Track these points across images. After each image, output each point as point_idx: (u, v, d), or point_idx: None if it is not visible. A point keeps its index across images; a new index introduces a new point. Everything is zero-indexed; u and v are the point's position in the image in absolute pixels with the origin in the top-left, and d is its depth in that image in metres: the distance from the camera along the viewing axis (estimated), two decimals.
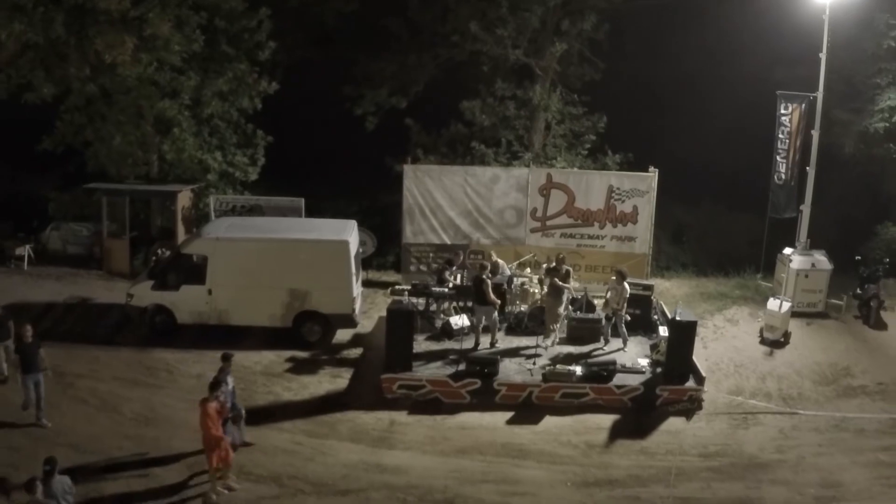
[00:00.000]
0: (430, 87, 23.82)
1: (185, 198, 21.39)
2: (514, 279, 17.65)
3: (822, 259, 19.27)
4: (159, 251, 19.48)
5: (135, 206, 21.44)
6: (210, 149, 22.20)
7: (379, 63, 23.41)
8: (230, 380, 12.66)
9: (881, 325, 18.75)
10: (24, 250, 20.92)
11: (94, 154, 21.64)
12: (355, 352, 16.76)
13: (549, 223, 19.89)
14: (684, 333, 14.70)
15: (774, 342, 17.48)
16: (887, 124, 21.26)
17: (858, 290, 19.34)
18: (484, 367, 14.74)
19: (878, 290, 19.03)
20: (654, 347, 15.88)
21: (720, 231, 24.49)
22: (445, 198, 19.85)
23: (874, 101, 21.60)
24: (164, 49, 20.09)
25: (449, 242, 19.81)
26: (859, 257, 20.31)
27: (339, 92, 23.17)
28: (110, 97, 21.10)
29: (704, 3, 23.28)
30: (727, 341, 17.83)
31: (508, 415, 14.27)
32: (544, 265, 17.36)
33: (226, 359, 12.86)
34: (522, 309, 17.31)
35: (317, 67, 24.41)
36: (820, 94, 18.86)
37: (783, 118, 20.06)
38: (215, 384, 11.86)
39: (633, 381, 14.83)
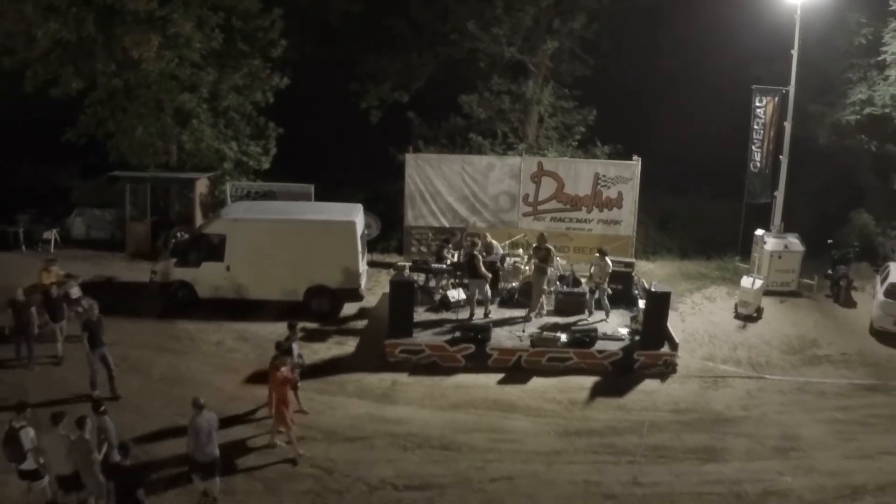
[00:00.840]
0: (430, 83, 24.72)
1: (202, 185, 22.48)
2: (507, 258, 18.89)
3: (794, 242, 20.30)
4: (178, 234, 20.68)
5: (155, 192, 22.49)
6: (226, 139, 23.19)
7: (382, 60, 24.38)
8: (295, 346, 13.47)
9: (850, 304, 19.77)
10: (52, 234, 22.14)
11: (116, 145, 22.52)
12: (361, 323, 17.95)
13: (540, 208, 20.95)
14: (659, 303, 15.85)
15: (747, 317, 18.58)
16: (858, 116, 22.06)
17: (830, 271, 20.38)
18: (478, 333, 15.90)
19: (847, 271, 20.08)
20: (633, 318, 17.02)
21: (704, 218, 25.18)
22: (444, 184, 20.92)
23: (846, 95, 22.40)
24: (185, 46, 21.20)
25: (447, 226, 20.88)
26: (831, 240, 21.28)
27: (345, 87, 24.10)
28: (132, 91, 22.07)
29: (687, 4, 24.06)
30: (704, 316, 18.99)
31: (499, 376, 15.41)
32: (534, 245, 18.68)
33: (292, 327, 13.62)
34: (514, 285, 18.42)
35: (324, 64, 25.22)
36: (792, 88, 19.94)
37: (758, 110, 21.19)
38: (285, 350, 12.70)
39: (614, 346, 15.98)
